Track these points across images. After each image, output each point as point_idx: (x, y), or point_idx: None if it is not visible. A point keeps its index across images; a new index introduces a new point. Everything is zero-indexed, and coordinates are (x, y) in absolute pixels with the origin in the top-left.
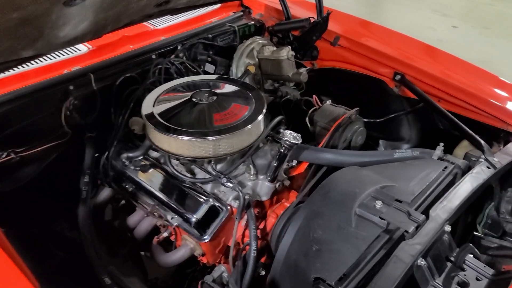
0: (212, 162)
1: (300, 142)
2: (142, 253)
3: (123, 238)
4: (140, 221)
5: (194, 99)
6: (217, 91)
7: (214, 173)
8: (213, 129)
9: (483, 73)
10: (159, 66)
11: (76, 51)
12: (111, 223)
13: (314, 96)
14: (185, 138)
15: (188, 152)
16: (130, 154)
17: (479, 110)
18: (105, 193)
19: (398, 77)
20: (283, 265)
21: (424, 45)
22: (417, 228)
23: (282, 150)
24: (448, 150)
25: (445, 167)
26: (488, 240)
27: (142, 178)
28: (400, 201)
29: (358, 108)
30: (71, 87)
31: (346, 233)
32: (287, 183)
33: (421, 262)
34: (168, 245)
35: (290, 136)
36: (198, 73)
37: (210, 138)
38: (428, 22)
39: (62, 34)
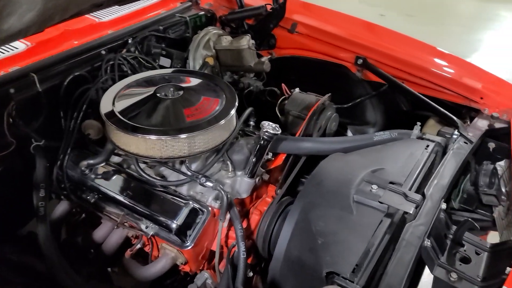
0: (187, 162)
1: (280, 132)
2: (109, 269)
3: (85, 255)
4: (109, 234)
5: (158, 95)
6: (182, 85)
7: (189, 173)
8: (187, 126)
9: (440, 53)
10: (111, 62)
11: (12, 49)
12: (71, 241)
13: (282, 84)
14: (156, 137)
15: (160, 153)
16: (91, 161)
17: (443, 88)
18: (61, 207)
19: (360, 61)
20: (283, 264)
21: (380, 27)
22: (416, 208)
23: (261, 143)
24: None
25: (427, 146)
26: (458, 215)
27: (106, 186)
28: (394, 183)
29: (330, 94)
30: (12, 90)
31: (349, 222)
32: (266, 177)
33: (427, 243)
34: (141, 257)
35: (269, 127)
36: (154, 68)
37: (185, 135)
38: (357, 12)
39: (6, 26)
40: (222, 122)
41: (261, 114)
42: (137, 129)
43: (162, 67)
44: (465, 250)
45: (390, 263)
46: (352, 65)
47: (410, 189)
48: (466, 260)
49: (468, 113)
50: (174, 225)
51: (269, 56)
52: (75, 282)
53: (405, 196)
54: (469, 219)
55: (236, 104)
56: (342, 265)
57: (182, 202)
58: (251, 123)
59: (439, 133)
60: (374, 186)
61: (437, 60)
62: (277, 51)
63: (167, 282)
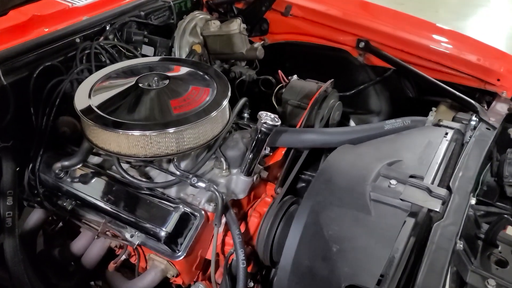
0: (175, 160)
1: (280, 123)
2: (92, 283)
3: (63, 269)
4: (89, 244)
5: (141, 85)
6: (168, 73)
7: (178, 173)
8: (174, 119)
9: (449, 32)
10: (86, 51)
11: None
12: (48, 253)
13: (279, 71)
14: (139, 133)
15: (144, 151)
16: (66, 163)
17: (454, 71)
18: (35, 216)
19: (362, 44)
20: (291, 275)
21: (382, 8)
22: (443, 205)
23: (259, 136)
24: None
25: (446, 133)
26: (474, 208)
27: (84, 191)
28: (414, 177)
29: (332, 80)
30: None
31: (367, 224)
32: (264, 174)
33: (460, 245)
34: (127, 268)
35: (268, 118)
36: (135, 57)
37: (172, 130)
38: None
39: None
40: (214, 114)
41: (254, 106)
42: (117, 125)
43: (144, 56)
44: (500, 252)
45: (420, 271)
46: (353, 49)
47: (432, 183)
48: (502, 263)
49: (482, 97)
50: (163, 233)
51: (262, 42)
52: None
53: (429, 191)
54: (505, 215)
55: (229, 93)
56: (364, 276)
57: (171, 206)
58: (245, 115)
59: (454, 119)
60: (393, 181)
61: (446, 40)
62: (270, 37)
63: None
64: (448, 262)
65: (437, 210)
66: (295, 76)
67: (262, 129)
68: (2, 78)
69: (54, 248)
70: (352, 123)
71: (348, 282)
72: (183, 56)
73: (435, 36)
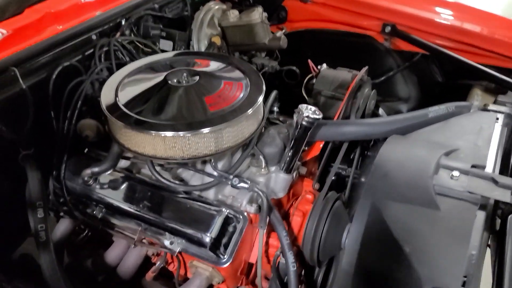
0: (212, 161)
1: (321, 116)
2: None
3: (93, 281)
4: (124, 254)
5: (170, 82)
6: (197, 68)
7: (216, 174)
8: (211, 117)
9: (478, 12)
10: (104, 49)
11: None
12: (76, 265)
13: (309, 61)
14: (176, 134)
15: (181, 153)
16: (96, 169)
17: (487, 51)
18: (62, 226)
19: (388, 28)
20: (356, 278)
21: None
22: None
23: (299, 130)
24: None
25: (497, 118)
26: None
27: (116, 197)
28: (477, 167)
29: (367, 67)
30: None
31: (437, 221)
32: (303, 171)
33: None
34: (161, 276)
35: (309, 111)
36: (155, 52)
37: (211, 129)
38: None
39: None
40: (251, 110)
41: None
42: (152, 126)
43: (163, 51)
44: None
45: (505, 268)
46: (377, 34)
47: (493, 171)
48: None
49: None
50: (207, 239)
51: (284, 31)
52: None
53: (495, 181)
54: None
55: (264, 88)
56: (446, 278)
57: (213, 209)
58: (275, 108)
59: (497, 102)
60: (455, 173)
61: (475, 20)
62: (288, 25)
63: None
64: None
65: (508, 201)
66: (324, 65)
67: (303, 123)
68: (21, 80)
69: (84, 260)
70: (381, 111)
71: (431, 286)
72: (202, 49)
73: (463, 16)
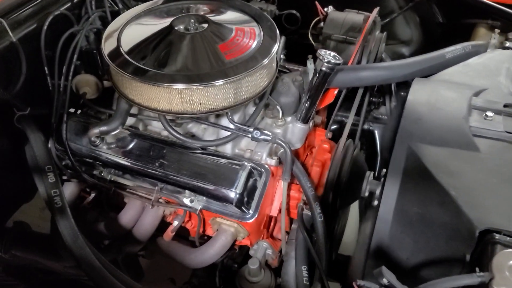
0: (229, 113)
1: (342, 61)
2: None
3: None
4: (139, 215)
5: (176, 28)
6: (203, 14)
7: (233, 127)
8: (229, 66)
9: None
10: None
11: None
12: (90, 230)
13: (316, 3)
14: (194, 86)
15: (199, 106)
16: (104, 128)
17: None
18: (68, 190)
19: None
20: (395, 224)
21: None
22: None
23: (318, 77)
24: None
25: None
26: None
27: (127, 157)
28: (509, 106)
29: (378, 8)
30: None
31: (479, 162)
32: (318, 120)
33: None
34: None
35: (329, 56)
36: None
37: (230, 79)
38: None
39: None
40: (269, 58)
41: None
42: (167, 78)
43: None
44: None
45: None
46: None
47: None
48: None
49: None
50: (233, 195)
51: None
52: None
53: None
54: None
55: (278, 33)
56: (498, 219)
57: (235, 164)
58: (282, 56)
59: (509, 40)
60: (489, 113)
61: None
62: None
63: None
64: None
65: None
66: (331, 7)
67: (323, 69)
68: (10, 33)
69: (95, 224)
70: (384, 55)
71: (484, 227)
72: None
73: None
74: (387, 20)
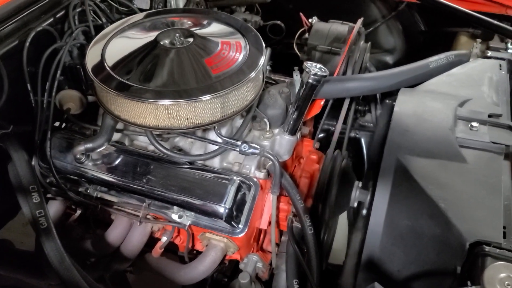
0: (216, 127)
1: (328, 73)
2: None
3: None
4: (127, 232)
5: (162, 42)
6: (188, 28)
7: (221, 141)
8: (215, 81)
9: None
10: (78, 9)
11: None
12: (76, 248)
13: (301, 14)
14: (180, 101)
15: (186, 122)
16: (89, 145)
17: None
18: (53, 209)
19: None
20: (385, 237)
21: None
22: None
23: (305, 89)
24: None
25: (500, 65)
26: None
27: (113, 173)
28: (493, 116)
29: (362, 18)
30: None
31: (466, 173)
32: (306, 131)
33: None
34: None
35: (315, 68)
36: (133, 12)
37: (218, 94)
38: None
39: None
40: (255, 72)
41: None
42: (153, 94)
43: (141, 10)
44: None
45: None
46: None
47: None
48: None
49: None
50: (221, 210)
51: None
52: None
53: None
54: None
55: (264, 45)
56: (487, 230)
57: (224, 178)
58: (268, 67)
59: (490, 49)
60: (474, 123)
61: None
62: None
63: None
64: None
65: None
66: (315, 18)
67: (310, 81)
68: None
69: (81, 242)
70: (369, 64)
71: (473, 239)
72: (181, 6)
73: None
74: (370, 29)
